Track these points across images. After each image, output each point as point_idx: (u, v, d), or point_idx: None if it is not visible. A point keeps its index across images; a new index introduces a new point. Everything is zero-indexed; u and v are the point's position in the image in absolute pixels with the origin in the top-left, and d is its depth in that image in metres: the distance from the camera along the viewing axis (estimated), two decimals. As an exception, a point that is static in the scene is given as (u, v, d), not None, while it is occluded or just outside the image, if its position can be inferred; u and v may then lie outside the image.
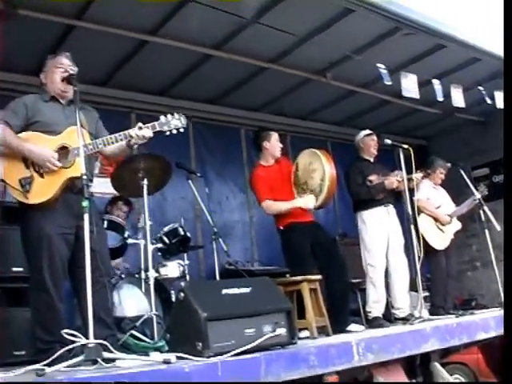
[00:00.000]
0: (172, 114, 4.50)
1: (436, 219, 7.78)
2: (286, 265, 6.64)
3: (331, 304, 6.08)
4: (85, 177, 3.84)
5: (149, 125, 4.44)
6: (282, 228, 6.38)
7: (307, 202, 6.20)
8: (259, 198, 6.38)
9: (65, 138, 4.32)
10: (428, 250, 7.37)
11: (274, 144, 6.58)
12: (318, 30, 7.11)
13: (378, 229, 6.88)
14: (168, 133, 4.48)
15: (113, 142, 4.38)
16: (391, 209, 7.02)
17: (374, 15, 6.76)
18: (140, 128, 4.37)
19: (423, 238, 7.28)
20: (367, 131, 7.32)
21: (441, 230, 7.77)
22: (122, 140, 4.39)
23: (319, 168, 6.21)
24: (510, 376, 4.07)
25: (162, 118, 4.49)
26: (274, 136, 6.61)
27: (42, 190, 4.22)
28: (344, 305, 6.22)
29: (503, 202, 5.12)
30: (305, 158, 6.49)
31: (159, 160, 5.61)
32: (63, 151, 4.29)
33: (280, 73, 8.08)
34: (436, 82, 7.80)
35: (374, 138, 7.23)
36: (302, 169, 6.43)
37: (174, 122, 4.47)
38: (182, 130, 4.52)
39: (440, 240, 7.70)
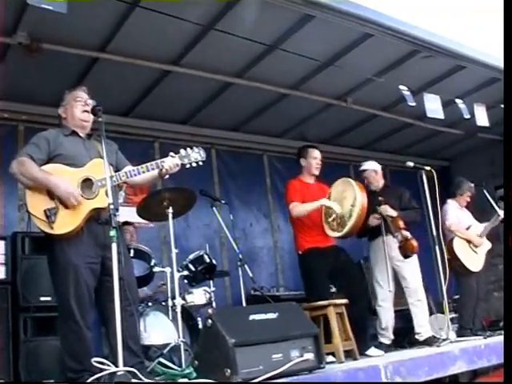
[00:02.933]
0: (192, 148, 4.61)
1: (469, 241, 7.74)
2: (304, 287, 6.63)
3: (353, 328, 6.05)
4: (112, 206, 3.88)
5: (171, 155, 4.52)
6: (300, 253, 6.43)
7: (334, 204, 6.24)
8: (287, 200, 6.46)
9: (89, 170, 4.37)
10: (459, 272, 7.35)
11: (310, 161, 6.63)
12: (338, 54, 7.17)
13: (380, 257, 6.91)
14: (188, 165, 4.59)
15: (144, 172, 4.44)
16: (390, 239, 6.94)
17: (393, 39, 6.80)
18: (172, 157, 4.47)
19: (460, 262, 7.28)
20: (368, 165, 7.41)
21: (475, 251, 7.73)
22: (153, 169, 4.46)
23: (351, 195, 6.21)
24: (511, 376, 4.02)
25: (182, 151, 4.59)
26: (312, 153, 6.65)
27: (67, 221, 4.26)
28: (363, 329, 6.21)
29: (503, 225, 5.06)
30: (338, 186, 6.51)
31: (184, 192, 5.68)
32: (87, 183, 4.33)
33: (301, 98, 8.14)
34: (460, 101, 7.79)
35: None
36: (334, 197, 6.43)
37: (194, 156, 4.59)
38: (201, 164, 4.63)
39: (476, 262, 7.67)
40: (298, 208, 6.34)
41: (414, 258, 6.88)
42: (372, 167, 7.35)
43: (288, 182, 6.67)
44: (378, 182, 7.35)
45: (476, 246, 7.77)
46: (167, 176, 4.61)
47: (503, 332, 4.42)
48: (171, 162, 4.48)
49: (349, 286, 6.27)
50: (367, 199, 6.54)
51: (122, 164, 4.75)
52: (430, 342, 6.43)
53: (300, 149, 6.82)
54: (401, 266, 6.87)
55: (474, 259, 7.68)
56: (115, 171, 4.58)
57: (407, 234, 6.76)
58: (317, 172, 6.65)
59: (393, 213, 6.84)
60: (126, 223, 6.89)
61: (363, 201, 6.14)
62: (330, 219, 6.37)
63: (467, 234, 7.77)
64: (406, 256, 6.80)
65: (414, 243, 6.72)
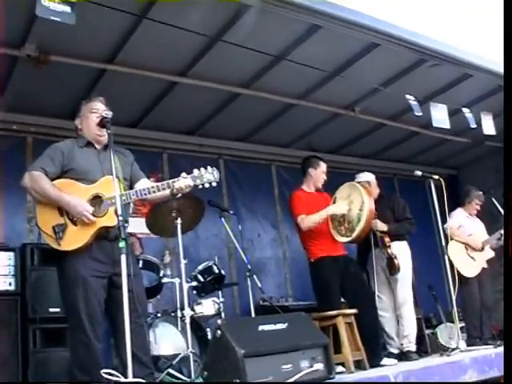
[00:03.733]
0: (206, 168, 4.47)
1: (467, 247, 7.70)
2: (315, 298, 6.60)
3: (362, 338, 6.04)
4: (121, 218, 3.89)
5: (183, 176, 4.46)
6: (312, 261, 6.39)
7: (339, 206, 6.24)
8: (294, 214, 6.41)
9: (99, 188, 4.34)
10: (460, 278, 7.33)
11: (318, 173, 6.61)
12: (344, 64, 7.19)
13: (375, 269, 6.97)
14: (200, 186, 4.45)
15: (155, 192, 4.40)
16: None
17: (400, 48, 6.81)
18: (184, 178, 4.41)
19: (451, 265, 7.26)
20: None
21: (471, 257, 7.69)
22: (164, 189, 4.41)
23: (358, 199, 6.19)
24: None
25: (196, 171, 4.46)
26: (322, 167, 6.64)
27: (75, 238, 4.26)
28: (375, 339, 6.19)
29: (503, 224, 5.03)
30: (343, 191, 6.48)
31: (192, 200, 5.66)
32: (97, 200, 4.33)
33: (308, 108, 8.16)
34: (466, 110, 7.80)
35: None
36: (344, 206, 6.35)
37: (207, 176, 4.43)
38: (214, 185, 4.48)
39: (470, 267, 7.60)
40: (307, 220, 6.31)
41: (407, 273, 6.89)
42: (366, 178, 7.42)
43: (292, 195, 6.63)
44: (373, 192, 7.35)
45: (474, 251, 7.71)
46: (179, 195, 4.57)
47: (503, 339, 4.39)
48: (183, 184, 4.38)
49: (358, 297, 6.24)
50: None
51: (137, 177, 4.74)
52: (408, 356, 6.46)
53: (310, 158, 6.79)
54: (392, 278, 6.94)
55: (469, 264, 7.61)
56: (129, 185, 4.60)
57: (392, 252, 6.82)
58: (320, 185, 6.64)
59: (383, 228, 6.88)
60: (131, 235, 6.91)
61: (371, 205, 6.14)
62: (337, 225, 6.36)
63: (465, 238, 7.73)
64: (391, 273, 6.88)
65: (396, 262, 6.76)
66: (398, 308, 6.85)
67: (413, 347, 6.62)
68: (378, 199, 7.18)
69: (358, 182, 7.31)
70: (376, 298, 6.92)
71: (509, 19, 4.51)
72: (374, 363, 5.84)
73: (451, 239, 7.45)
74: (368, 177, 7.45)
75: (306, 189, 6.64)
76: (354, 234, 6.16)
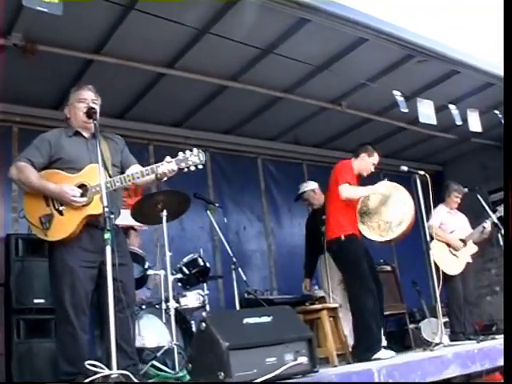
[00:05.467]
0: (191, 151, 4.41)
1: (449, 244, 7.74)
2: (343, 275, 6.51)
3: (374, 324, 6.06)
4: (106, 209, 3.88)
5: (167, 161, 4.44)
6: (343, 237, 6.11)
7: (385, 188, 6.19)
8: (341, 179, 6.11)
9: (84, 176, 4.34)
10: (444, 275, 7.36)
11: (368, 163, 6.42)
12: (332, 59, 7.20)
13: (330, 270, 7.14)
14: (186, 169, 4.40)
15: (139, 177, 4.39)
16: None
17: (387, 43, 6.83)
18: (168, 162, 4.39)
19: (434, 264, 7.29)
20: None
21: (454, 255, 7.71)
22: (148, 175, 4.39)
23: (401, 201, 6.13)
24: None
25: (181, 154, 4.41)
26: (374, 158, 6.44)
27: (61, 228, 4.26)
28: (379, 327, 6.16)
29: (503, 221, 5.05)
30: (383, 188, 6.31)
31: (178, 195, 5.69)
32: (82, 189, 4.31)
33: (295, 102, 8.16)
34: (453, 107, 7.83)
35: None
36: (376, 199, 6.32)
37: (193, 159, 4.37)
38: (200, 167, 4.42)
39: (453, 265, 7.62)
40: (351, 189, 6.08)
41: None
42: (309, 187, 7.68)
43: (345, 162, 6.39)
44: (319, 200, 7.63)
45: (456, 250, 7.75)
46: (165, 179, 4.55)
47: (503, 332, 4.42)
48: (166, 168, 4.36)
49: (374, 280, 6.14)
50: (313, 219, 7.08)
51: (128, 163, 4.73)
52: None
53: (367, 145, 6.57)
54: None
55: (452, 263, 7.63)
56: (120, 171, 4.59)
57: None
58: (365, 174, 6.45)
59: None
60: (132, 228, 6.91)
61: (414, 210, 6.11)
62: (367, 220, 6.28)
63: (447, 238, 7.74)
64: None
65: None
66: None
67: None
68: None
69: (303, 193, 7.52)
70: (331, 299, 7.01)
71: (509, 19, 4.52)
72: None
73: (433, 239, 7.49)
74: (311, 185, 7.73)
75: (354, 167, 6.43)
76: (393, 235, 6.09)
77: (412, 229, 6.18)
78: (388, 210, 6.16)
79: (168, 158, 4.39)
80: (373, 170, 6.45)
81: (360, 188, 6.18)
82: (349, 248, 6.11)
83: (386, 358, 5.56)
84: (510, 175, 4.59)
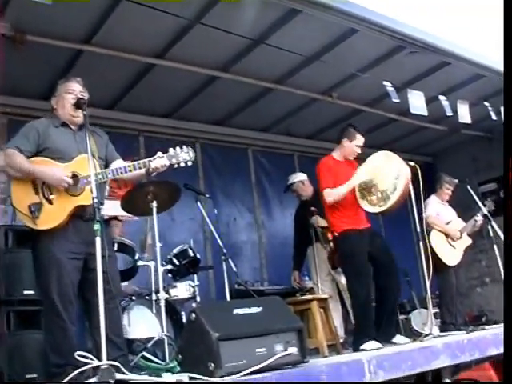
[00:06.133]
0: (181, 147, 4.53)
1: (447, 235, 7.76)
2: (343, 273, 6.52)
3: (381, 315, 6.06)
4: (96, 200, 3.87)
5: (159, 156, 4.48)
6: (336, 235, 6.17)
7: (360, 174, 6.04)
8: (321, 187, 6.18)
9: (75, 166, 4.33)
10: (437, 266, 7.38)
11: (351, 146, 6.32)
12: (323, 49, 7.19)
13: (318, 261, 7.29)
14: (176, 166, 4.52)
15: (131, 171, 4.40)
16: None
17: (378, 34, 6.83)
18: (160, 158, 4.43)
19: (435, 254, 7.31)
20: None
21: (452, 246, 7.74)
22: (140, 168, 4.42)
23: (393, 168, 6.02)
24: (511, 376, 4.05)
25: (171, 150, 4.52)
26: (358, 140, 6.33)
27: (51, 217, 4.24)
28: (393, 317, 6.20)
29: (503, 216, 5.06)
30: (377, 160, 6.21)
31: (169, 185, 5.67)
32: (73, 179, 4.30)
33: (286, 93, 8.15)
34: (443, 98, 7.83)
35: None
36: (369, 172, 6.14)
37: (183, 156, 4.50)
38: (189, 164, 4.54)
39: (452, 256, 7.67)
40: (333, 193, 6.05)
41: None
42: (298, 179, 7.74)
43: (320, 163, 6.32)
44: (307, 191, 7.72)
45: (454, 240, 7.78)
46: (154, 174, 4.58)
47: (503, 325, 4.43)
48: (159, 163, 4.43)
49: (383, 274, 6.07)
50: (302, 210, 7.15)
51: (113, 157, 4.73)
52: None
53: (348, 127, 6.49)
54: (335, 271, 7.18)
55: (450, 253, 7.69)
56: (105, 165, 4.59)
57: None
58: (352, 158, 6.39)
59: (323, 223, 7.00)
60: (115, 218, 6.88)
61: (408, 173, 5.99)
62: (367, 195, 6.12)
63: (445, 228, 7.78)
64: (333, 267, 7.10)
65: None
66: (347, 298, 6.93)
67: None
68: (315, 195, 7.33)
69: (292, 184, 7.58)
70: (319, 290, 7.03)
71: (509, 19, 4.52)
72: (388, 340, 5.85)
73: (431, 228, 7.51)
74: (300, 176, 7.78)
75: (335, 156, 6.39)
76: (389, 203, 5.94)
77: (406, 195, 6.10)
78: (382, 179, 6.01)
79: (160, 153, 4.44)
80: (359, 151, 6.35)
81: (341, 188, 6.05)
82: (343, 244, 6.15)
83: (369, 350, 5.59)
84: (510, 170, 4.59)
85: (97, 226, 3.76)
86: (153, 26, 6.29)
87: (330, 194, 6.08)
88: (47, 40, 6.17)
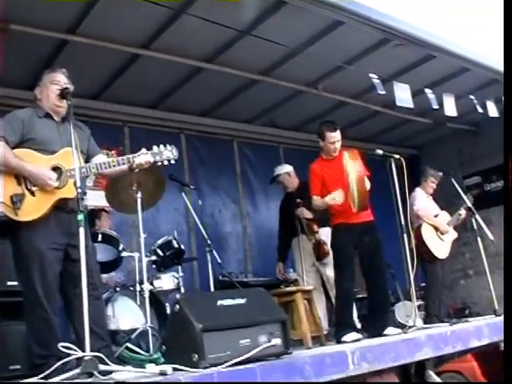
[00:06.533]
0: (165, 146, 4.56)
1: (436, 228, 7.80)
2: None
3: (371, 309, 6.22)
4: (79, 190, 3.85)
5: (143, 152, 4.48)
6: (332, 227, 6.40)
7: (333, 196, 6.04)
8: (310, 193, 6.34)
9: (59, 159, 4.32)
10: (425, 259, 7.42)
11: (326, 145, 6.35)
12: (309, 41, 7.16)
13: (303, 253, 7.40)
14: (160, 163, 4.55)
15: (114, 166, 4.41)
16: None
17: (364, 27, 6.82)
18: (144, 154, 4.44)
19: (427, 248, 7.35)
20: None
21: (441, 239, 7.79)
22: (124, 164, 4.43)
23: (347, 169, 6.08)
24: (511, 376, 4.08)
25: (155, 148, 4.54)
26: (328, 138, 6.29)
27: (33, 209, 4.22)
28: (382, 311, 6.19)
29: (503, 205, 5.08)
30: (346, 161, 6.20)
31: (153, 172, 5.63)
32: (56, 171, 4.29)
33: (272, 85, 8.13)
34: (429, 91, 7.84)
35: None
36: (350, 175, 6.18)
37: (166, 154, 4.54)
38: (172, 162, 4.59)
39: (441, 249, 7.73)
40: (317, 202, 6.25)
41: None
42: (284, 170, 7.78)
43: (309, 169, 6.43)
44: (293, 183, 7.78)
45: (442, 234, 7.83)
46: (137, 170, 4.58)
47: (503, 315, 4.46)
48: (143, 159, 4.45)
49: (369, 268, 6.20)
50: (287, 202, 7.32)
51: (94, 151, 4.72)
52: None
53: (318, 129, 6.50)
54: (319, 262, 7.26)
55: (440, 246, 7.75)
56: (86, 159, 4.57)
57: (320, 237, 7.10)
58: (335, 154, 6.34)
59: (309, 215, 7.14)
60: (103, 210, 6.86)
61: (355, 171, 6.01)
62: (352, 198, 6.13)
63: (434, 221, 7.82)
64: (318, 259, 7.16)
65: (326, 248, 7.01)
66: (332, 290, 6.98)
67: None
68: (301, 187, 7.48)
69: (278, 176, 7.63)
70: (304, 282, 7.07)
71: (509, 18, 4.53)
72: (379, 333, 5.87)
73: (421, 221, 7.55)
74: (286, 168, 7.83)
75: (324, 156, 6.45)
76: (356, 205, 6.01)
77: (364, 192, 6.09)
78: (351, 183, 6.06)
79: (144, 150, 4.46)
80: (337, 146, 6.31)
81: (319, 202, 6.22)
82: (332, 237, 6.41)
83: (349, 341, 5.61)
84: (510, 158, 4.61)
85: (80, 217, 3.75)
86: (138, 16, 6.26)
87: (313, 203, 6.34)
88: (31, 29, 6.11)
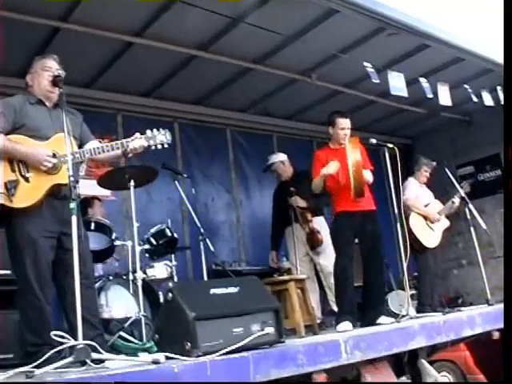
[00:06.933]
0: (158, 130, 4.56)
1: (426, 218, 7.80)
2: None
3: (365, 297, 6.25)
4: (72, 178, 3.83)
5: (136, 137, 4.48)
6: (334, 216, 6.48)
7: (328, 167, 6.12)
8: (312, 177, 6.39)
9: (52, 145, 4.31)
10: (416, 248, 7.42)
11: (336, 132, 6.44)
12: (303, 30, 7.14)
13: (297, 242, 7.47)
14: (153, 147, 4.55)
15: (108, 151, 4.40)
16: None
17: (359, 15, 6.80)
18: (138, 138, 4.43)
19: (415, 237, 7.35)
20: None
21: (431, 228, 7.78)
22: (117, 149, 4.43)
23: (348, 156, 6.13)
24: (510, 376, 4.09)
25: (149, 132, 4.55)
26: (338, 124, 6.42)
27: (27, 195, 4.22)
28: (377, 300, 6.26)
29: (503, 196, 5.09)
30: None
31: (148, 170, 5.68)
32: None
33: (265, 73, 8.11)
34: (423, 80, 7.83)
35: None
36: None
37: (160, 138, 4.54)
38: (166, 146, 4.58)
39: (431, 238, 7.71)
40: (315, 183, 6.32)
41: (329, 245, 6.99)
42: (279, 159, 7.79)
43: (314, 155, 6.60)
44: (287, 171, 7.78)
45: (432, 223, 7.82)
46: (130, 155, 4.57)
47: (503, 305, 4.46)
48: (137, 144, 4.46)
49: (367, 257, 6.29)
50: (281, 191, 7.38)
51: (86, 138, 4.71)
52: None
53: (330, 115, 6.61)
54: (313, 251, 7.36)
55: (429, 235, 7.73)
56: (79, 145, 4.56)
57: (314, 226, 7.21)
58: (344, 142, 6.37)
59: (303, 204, 7.22)
60: (96, 198, 6.84)
61: (353, 159, 6.07)
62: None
63: (424, 210, 7.81)
64: (312, 248, 7.27)
65: (320, 237, 7.15)
66: (325, 279, 7.21)
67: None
68: (295, 176, 7.60)
69: (272, 164, 7.69)
70: (298, 271, 7.10)
71: (509, 17, 4.52)
72: (372, 322, 5.92)
73: (410, 211, 7.55)
74: (280, 157, 7.83)
75: (331, 145, 6.54)
76: (352, 189, 6.07)
77: (360, 179, 6.14)
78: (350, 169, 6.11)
79: (138, 134, 4.45)
80: (346, 133, 6.41)
81: (315, 180, 6.30)
82: (334, 224, 6.47)
83: (341, 331, 5.63)
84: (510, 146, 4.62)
85: (73, 205, 3.73)
86: (131, 3, 6.21)
87: (313, 184, 6.35)
88: (23, 16, 6.07)
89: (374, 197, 6.53)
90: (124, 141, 4.45)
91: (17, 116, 4.36)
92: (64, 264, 4.14)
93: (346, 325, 5.79)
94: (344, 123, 6.43)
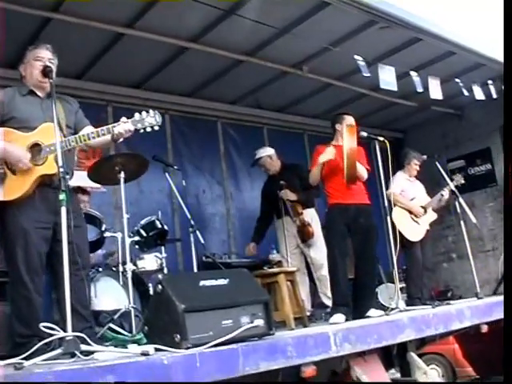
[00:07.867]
0: (147, 112, 4.37)
1: (410, 211, 7.81)
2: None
3: (356, 290, 6.27)
4: (61, 169, 3.81)
5: (123, 121, 4.40)
6: (327, 208, 6.48)
7: (325, 153, 6.16)
8: (310, 167, 6.48)
9: (38, 135, 4.28)
10: (404, 242, 7.43)
11: (339, 131, 6.48)
12: (294, 22, 7.14)
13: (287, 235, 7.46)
14: (142, 130, 4.37)
15: (94, 137, 4.34)
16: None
17: (350, 8, 6.79)
18: (124, 123, 4.34)
19: (398, 231, 7.35)
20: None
21: (416, 221, 7.79)
22: (104, 135, 4.35)
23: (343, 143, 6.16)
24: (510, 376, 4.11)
25: (137, 115, 4.37)
26: (346, 120, 6.46)
27: (14, 187, 4.21)
28: (367, 293, 6.28)
29: (503, 192, 5.10)
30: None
31: (137, 158, 5.62)
32: (36, 148, 4.25)
33: (257, 66, 8.10)
34: (414, 74, 7.85)
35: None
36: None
37: (149, 120, 4.34)
38: (156, 128, 4.40)
39: (414, 232, 7.72)
40: (311, 174, 6.40)
41: (320, 237, 7.13)
42: (266, 153, 7.75)
43: (314, 148, 6.61)
44: (275, 166, 7.74)
45: (417, 217, 7.83)
46: (121, 140, 4.51)
47: (503, 298, 4.48)
48: (122, 128, 4.32)
49: (360, 250, 6.31)
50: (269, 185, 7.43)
51: (81, 124, 4.67)
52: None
53: (336, 115, 6.70)
54: (304, 244, 7.37)
55: (413, 229, 7.73)
56: (74, 133, 4.52)
57: (305, 219, 7.21)
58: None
59: (293, 197, 7.22)
60: (84, 191, 6.79)
61: (349, 144, 6.07)
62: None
63: (407, 204, 7.82)
64: (303, 240, 7.28)
65: (311, 229, 7.18)
66: (316, 271, 7.26)
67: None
68: (283, 170, 7.61)
69: (260, 159, 7.71)
70: (288, 264, 7.11)
71: (509, 16, 4.53)
72: (361, 316, 5.94)
73: (395, 205, 7.55)
74: (268, 151, 7.80)
75: (333, 143, 6.52)
76: (345, 173, 6.09)
77: (354, 165, 6.14)
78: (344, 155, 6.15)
79: (124, 119, 4.35)
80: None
81: (313, 169, 6.37)
82: (328, 216, 6.43)
83: (332, 323, 5.64)
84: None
85: (62, 196, 3.71)
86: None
87: (310, 174, 6.42)
88: (14, 6, 6.03)
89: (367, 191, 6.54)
90: (110, 126, 4.32)
91: (4, 109, 4.34)
92: (58, 255, 4.10)
93: (338, 317, 5.80)
94: (350, 120, 6.47)
